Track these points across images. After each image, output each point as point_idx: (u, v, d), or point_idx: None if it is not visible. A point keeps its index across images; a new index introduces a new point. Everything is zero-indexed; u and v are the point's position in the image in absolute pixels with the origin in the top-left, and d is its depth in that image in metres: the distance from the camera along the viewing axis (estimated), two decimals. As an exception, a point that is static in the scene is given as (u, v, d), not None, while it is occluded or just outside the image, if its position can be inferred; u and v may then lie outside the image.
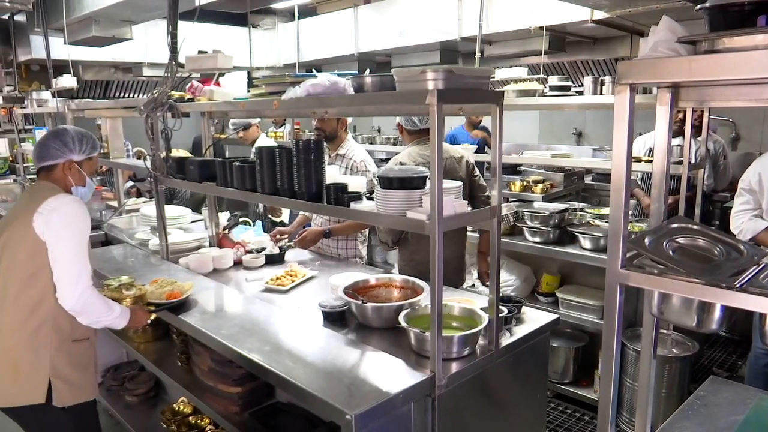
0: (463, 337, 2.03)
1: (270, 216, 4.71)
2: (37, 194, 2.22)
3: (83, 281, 2.11)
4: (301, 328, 2.39)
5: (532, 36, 5.13)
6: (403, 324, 2.09)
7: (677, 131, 3.76)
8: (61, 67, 5.98)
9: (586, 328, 3.75)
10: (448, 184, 2.09)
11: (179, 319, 2.51)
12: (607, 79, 3.76)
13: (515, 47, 5.61)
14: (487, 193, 3.30)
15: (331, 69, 6.94)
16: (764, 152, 3.35)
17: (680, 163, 3.31)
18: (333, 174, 2.60)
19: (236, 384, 2.48)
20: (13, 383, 2.12)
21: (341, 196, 2.23)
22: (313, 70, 3.07)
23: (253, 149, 2.68)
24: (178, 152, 3.64)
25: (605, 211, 4.02)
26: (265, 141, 5.14)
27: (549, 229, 3.66)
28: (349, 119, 3.57)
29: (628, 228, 1.59)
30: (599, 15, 4.42)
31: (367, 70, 2.45)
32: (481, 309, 2.19)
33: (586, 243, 3.51)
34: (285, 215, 5.03)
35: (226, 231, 3.65)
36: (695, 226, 1.71)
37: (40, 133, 6.35)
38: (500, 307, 2.15)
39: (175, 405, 3.35)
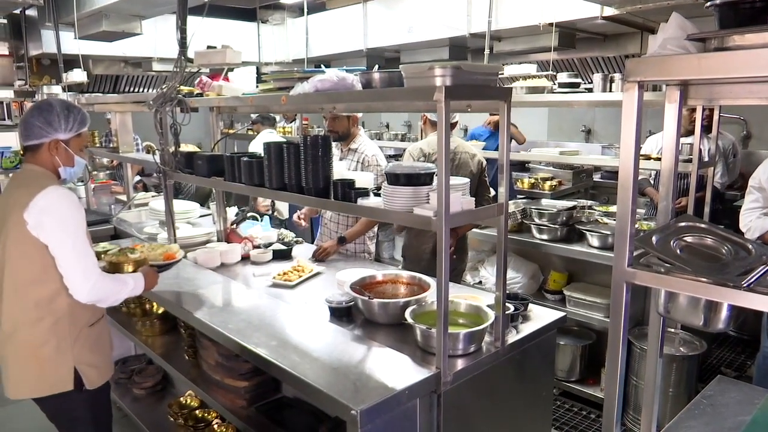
0: (469, 334, 2.03)
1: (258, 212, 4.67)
2: (23, 188, 2.09)
3: (92, 273, 2.09)
4: (307, 323, 2.40)
5: (541, 32, 5.10)
6: (410, 320, 2.10)
7: (690, 131, 3.73)
8: (71, 62, 6.02)
9: (594, 326, 3.74)
10: (455, 180, 2.09)
11: (187, 313, 2.53)
12: (617, 76, 3.74)
13: (524, 44, 5.58)
14: (491, 194, 3.34)
15: (340, 65, 6.92)
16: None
17: (690, 161, 3.29)
18: (341, 170, 2.61)
19: (243, 378, 2.50)
20: (40, 376, 2.12)
21: (348, 191, 2.23)
22: (322, 65, 3.07)
23: (250, 145, 2.71)
24: (186, 147, 3.65)
25: (613, 208, 4.01)
26: (267, 136, 5.16)
27: (557, 226, 3.65)
28: (359, 114, 3.57)
29: (636, 226, 1.58)
30: (609, 11, 4.39)
31: (376, 66, 2.45)
32: (488, 306, 2.20)
33: (594, 241, 3.50)
34: (284, 209, 5.05)
35: (234, 226, 3.66)
36: (703, 225, 1.70)
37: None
38: (507, 304, 2.16)
39: (182, 398, 3.38)
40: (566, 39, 5.31)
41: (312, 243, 3.90)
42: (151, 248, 2.80)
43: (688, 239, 1.61)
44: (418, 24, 6.11)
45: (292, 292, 2.80)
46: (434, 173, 2.04)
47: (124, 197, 4.95)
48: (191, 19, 3.27)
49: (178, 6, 3.17)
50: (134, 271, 2.38)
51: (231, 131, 6.12)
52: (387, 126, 8.72)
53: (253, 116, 4.94)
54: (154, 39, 6.57)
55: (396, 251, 5.44)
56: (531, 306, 2.43)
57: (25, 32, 6.72)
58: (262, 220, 3.92)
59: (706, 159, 3.70)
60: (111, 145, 4.72)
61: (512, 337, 2.18)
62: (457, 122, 3.87)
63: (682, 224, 1.69)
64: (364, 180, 2.43)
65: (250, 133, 6.95)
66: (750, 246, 1.57)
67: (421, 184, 2.01)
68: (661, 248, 1.55)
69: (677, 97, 1.68)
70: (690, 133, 3.66)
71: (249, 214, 3.99)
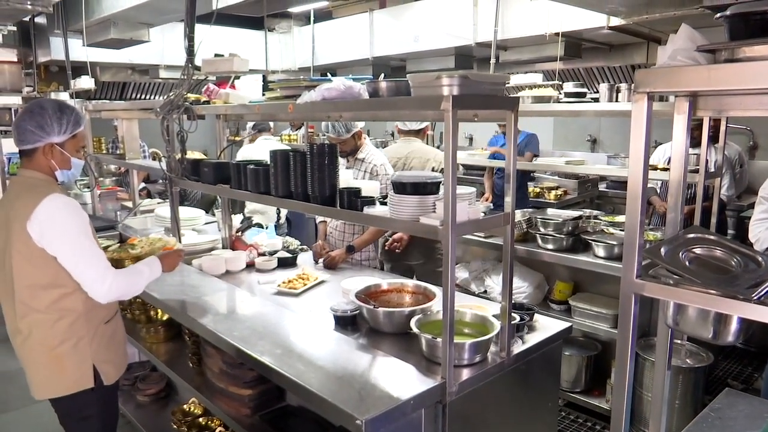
0: (474, 344, 2.02)
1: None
2: (22, 199, 2.07)
3: (106, 275, 2.08)
4: (312, 331, 2.39)
5: (547, 42, 5.11)
6: (415, 330, 2.09)
7: (697, 142, 3.72)
8: (79, 69, 6.06)
9: (599, 337, 3.71)
10: (461, 190, 2.08)
11: (192, 320, 2.52)
12: (623, 86, 3.74)
13: (530, 53, 5.59)
14: None
15: (346, 73, 6.93)
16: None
17: (697, 171, 3.28)
18: (347, 178, 2.61)
19: (247, 386, 2.49)
20: (61, 375, 2.15)
21: (354, 200, 2.23)
22: (328, 74, 3.08)
23: (239, 152, 2.68)
24: (192, 154, 3.66)
25: (619, 218, 3.99)
26: (263, 144, 5.17)
27: (562, 236, 3.64)
28: (361, 123, 3.58)
29: (644, 237, 1.57)
30: (615, 21, 4.40)
31: (382, 75, 2.45)
32: (493, 316, 2.18)
33: (600, 251, 3.48)
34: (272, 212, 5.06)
35: (240, 233, 3.67)
36: (712, 237, 1.69)
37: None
38: (512, 314, 2.14)
39: (185, 406, 3.37)
40: (572, 49, 5.33)
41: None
42: (150, 242, 2.84)
43: (697, 251, 1.60)
44: (425, 33, 6.13)
45: (296, 300, 2.80)
46: (440, 182, 2.04)
47: (129, 204, 4.96)
48: (199, 27, 3.29)
49: (186, 14, 3.19)
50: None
51: (237, 138, 6.14)
52: (392, 135, 8.73)
53: (250, 124, 4.98)
54: (162, 46, 6.62)
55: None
56: (537, 316, 2.42)
57: (34, 39, 6.79)
58: (267, 228, 3.92)
59: (713, 170, 3.69)
60: (118, 152, 4.75)
61: (518, 348, 2.17)
62: (423, 129, 4.10)
63: (691, 236, 1.68)
64: (370, 188, 2.42)
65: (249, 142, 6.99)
66: (760, 258, 1.55)
67: (428, 193, 2.01)
68: (670, 260, 1.54)
69: (686, 109, 1.68)
70: (697, 143, 3.66)
71: (254, 222, 3.99)
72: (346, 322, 2.41)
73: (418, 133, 4.07)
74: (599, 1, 3.43)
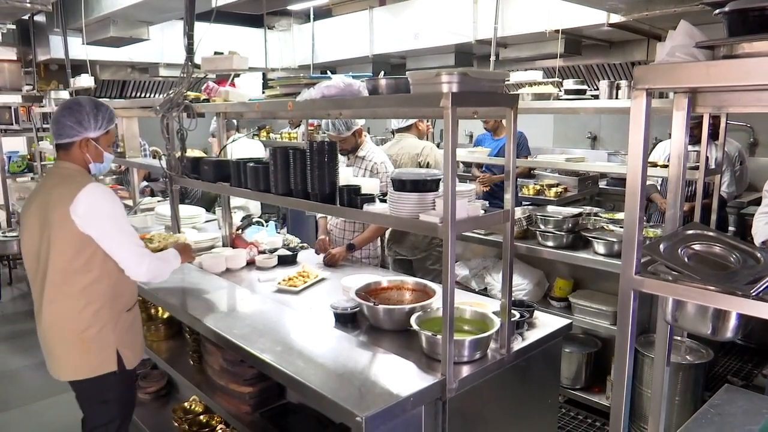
0: (474, 341, 2.02)
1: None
2: (63, 186, 2.23)
3: (143, 256, 2.29)
4: (312, 329, 2.40)
5: (547, 39, 5.11)
6: (415, 327, 2.09)
7: (697, 139, 3.73)
8: (79, 67, 6.06)
9: (599, 334, 3.72)
10: (461, 187, 2.08)
11: (192, 318, 2.53)
12: (623, 83, 3.73)
13: (530, 50, 5.59)
14: None
15: (346, 71, 6.93)
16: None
17: (697, 168, 3.28)
18: (347, 176, 2.61)
19: (247, 384, 2.49)
20: (86, 358, 2.27)
21: (354, 197, 2.23)
22: (328, 71, 3.08)
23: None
24: (192, 152, 3.67)
25: (619, 215, 3.99)
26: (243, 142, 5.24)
27: (562, 233, 3.64)
28: (362, 121, 3.59)
29: (643, 234, 1.57)
30: (615, 18, 4.39)
31: (382, 72, 2.45)
32: (493, 313, 2.19)
33: (600, 248, 3.48)
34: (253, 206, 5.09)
35: (240, 231, 3.67)
36: (711, 233, 1.69)
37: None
38: (512, 311, 2.14)
39: (186, 403, 3.37)
40: (572, 46, 5.32)
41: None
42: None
43: (696, 247, 1.60)
44: (424, 30, 6.12)
45: (297, 298, 2.80)
46: (440, 180, 2.04)
47: (130, 202, 4.96)
48: (198, 25, 3.28)
49: (185, 12, 3.19)
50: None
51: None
52: (393, 132, 8.72)
53: (213, 126, 5.05)
54: (161, 44, 6.61)
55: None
56: (536, 313, 2.42)
57: (34, 38, 6.79)
58: (267, 226, 3.92)
59: (713, 167, 3.69)
60: (118, 150, 4.74)
61: (518, 345, 2.17)
62: (413, 124, 4.15)
63: (690, 232, 1.68)
64: (369, 186, 2.43)
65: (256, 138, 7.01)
66: (759, 254, 1.55)
67: (427, 191, 2.01)
68: (669, 256, 1.54)
69: (685, 105, 1.68)
70: (696, 140, 3.66)
71: (254, 220, 3.99)
72: (347, 320, 2.41)
73: (409, 129, 4.11)
74: (599, -2, 3.43)
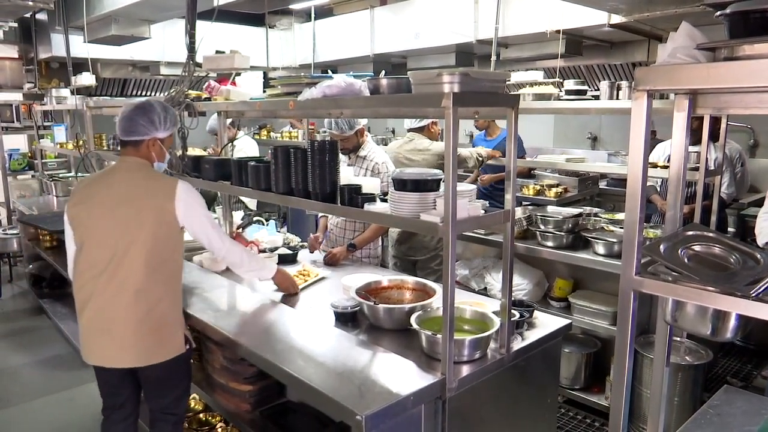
0: (474, 340, 2.03)
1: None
2: (154, 180, 2.39)
3: (225, 239, 2.59)
4: (312, 328, 2.40)
5: (548, 39, 5.11)
6: (415, 326, 2.10)
7: (696, 140, 3.72)
8: (80, 65, 6.06)
9: (599, 334, 3.72)
10: (462, 187, 2.09)
11: (192, 316, 2.53)
12: (624, 83, 3.74)
13: (531, 50, 5.58)
14: None
15: (347, 70, 6.95)
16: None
17: (697, 169, 3.28)
18: (348, 175, 2.62)
19: (247, 382, 2.50)
20: (163, 343, 2.36)
21: (355, 197, 2.23)
22: (329, 71, 3.09)
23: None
24: (193, 151, 3.67)
25: (619, 216, 3.99)
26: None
27: (562, 233, 3.64)
28: (364, 120, 3.59)
29: (643, 234, 1.58)
30: (616, 19, 4.39)
31: (383, 72, 2.46)
32: (493, 312, 2.19)
33: (600, 248, 3.48)
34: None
35: (240, 230, 3.67)
36: (711, 234, 1.69)
37: (58, 130, 6.44)
38: (512, 311, 2.15)
39: (186, 401, 3.37)
40: (573, 46, 5.32)
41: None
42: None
43: (696, 248, 1.60)
44: (425, 30, 6.12)
45: (297, 297, 2.80)
46: (441, 179, 2.04)
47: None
48: (200, 24, 3.29)
49: (187, 10, 3.20)
50: None
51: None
52: (393, 131, 8.74)
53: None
54: (163, 43, 6.61)
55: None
56: (536, 313, 2.42)
57: (35, 36, 6.79)
58: (267, 225, 3.92)
59: (712, 168, 3.69)
60: (119, 148, 4.76)
61: (517, 344, 2.18)
62: (427, 126, 4.17)
63: (690, 233, 1.68)
64: (370, 185, 2.43)
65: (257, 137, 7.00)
66: (759, 255, 1.56)
67: (428, 190, 2.01)
68: (669, 257, 1.55)
69: (686, 106, 1.68)
70: (696, 141, 3.66)
71: (255, 219, 4.00)
72: (347, 319, 2.42)
73: (422, 130, 4.12)
74: (600, -2, 3.44)
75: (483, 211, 2.04)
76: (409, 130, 4.22)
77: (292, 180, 2.44)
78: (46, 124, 7.47)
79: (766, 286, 1.41)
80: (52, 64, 7.18)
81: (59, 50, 6.23)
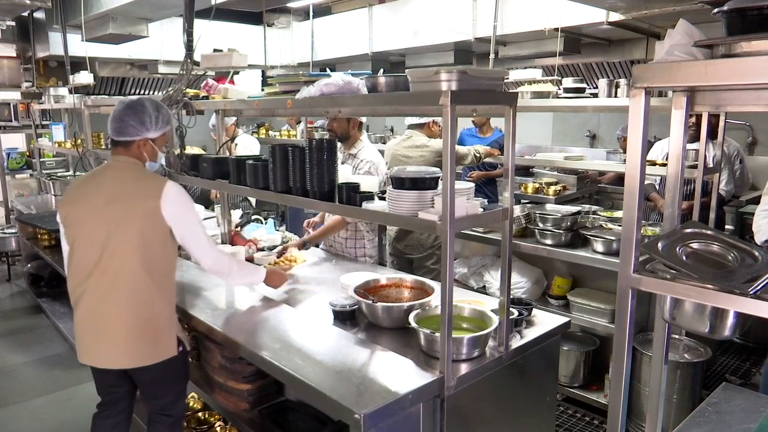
0: (473, 338, 2.03)
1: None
2: (143, 180, 2.34)
3: (213, 247, 2.48)
4: (311, 326, 2.40)
5: (546, 37, 5.10)
6: (413, 324, 2.09)
7: (694, 136, 3.72)
8: (78, 64, 6.04)
9: (597, 332, 3.72)
10: (460, 185, 2.08)
11: (191, 315, 2.53)
12: (622, 81, 3.73)
13: (530, 48, 5.58)
14: None
15: (345, 68, 6.95)
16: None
17: (695, 167, 3.28)
18: (346, 173, 2.61)
19: (246, 381, 2.50)
20: (155, 345, 2.32)
21: (353, 195, 2.23)
22: (327, 69, 3.08)
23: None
24: (192, 149, 3.66)
25: (618, 214, 3.99)
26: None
27: (561, 231, 3.64)
28: (363, 118, 3.58)
29: (641, 232, 1.58)
30: (615, 17, 4.39)
31: (381, 70, 2.45)
32: (492, 311, 2.19)
33: (599, 246, 3.49)
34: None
35: (239, 228, 3.67)
36: (709, 232, 1.69)
37: (56, 129, 6.43)
38: (511, 309, 2.15)
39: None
40: (571, 44, 5.32)
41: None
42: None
43: (694, 246, 1.60)
44: (424, 28, 6.12)
45: (296, 296, 2.80)
46: (439, 177, 2.04)
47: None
48: (198, 22, 3.28)
49: (185, 9, 3.19)
50: None
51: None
52: (391, 130, 8.72)
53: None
54: (161, 41, 6.61)
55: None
56: (535, 311, 2.42)
57: (33, 34, 6.77)
58: (266, 223, 3.92)
59: (711, 165, 3.69)
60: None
61: (516, 342, 2.18)
62: (428, 123, 4.18)
63: (688, 231, 1.68)
64: (368, 184, 2.43)
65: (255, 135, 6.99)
66: (756, 253, 1.56)
67: (426, 188, 2.01)
68: (667, 254, 1.55)
69: (684, 104, 1.68)
70: (693, 139, 3.66)
71: (253, 217, 4.00)
72: (345, 317, 2.42)
73: (421, 127, 4.13)
74: (598, -4, 3.43)
75: (481, 209, 2.04)
76: (409, 126, 4.23)
77: (290, 178, 2.44)
78: (44, 123, 7.45)
79: (764, 283, 1.41)
80: (50, 62, 7.16)
81: (57, 49, 6.21)
